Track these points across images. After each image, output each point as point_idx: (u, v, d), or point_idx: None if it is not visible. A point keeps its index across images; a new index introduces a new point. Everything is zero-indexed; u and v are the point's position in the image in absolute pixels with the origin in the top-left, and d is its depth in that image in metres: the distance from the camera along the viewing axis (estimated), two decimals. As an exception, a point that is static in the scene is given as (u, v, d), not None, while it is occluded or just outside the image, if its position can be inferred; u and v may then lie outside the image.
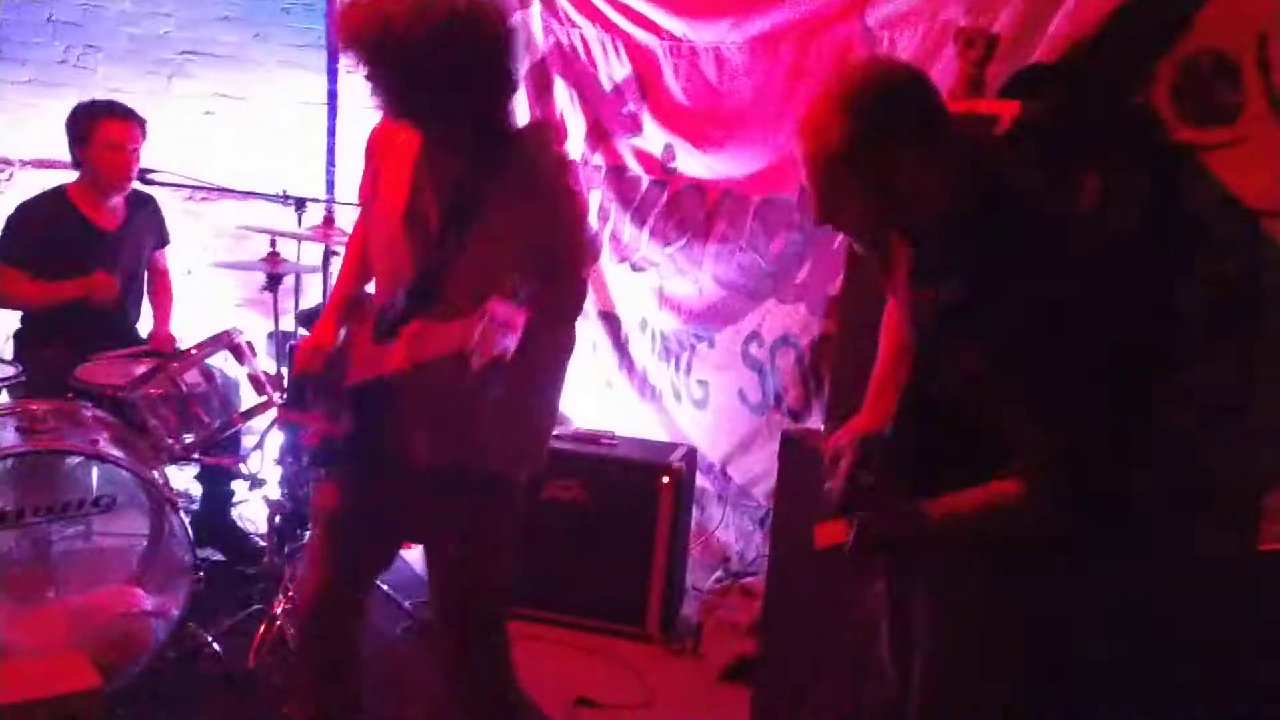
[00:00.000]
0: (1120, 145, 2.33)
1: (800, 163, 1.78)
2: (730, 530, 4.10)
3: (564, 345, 2.25)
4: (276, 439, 3.61)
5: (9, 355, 3.74)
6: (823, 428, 3.18)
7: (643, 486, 3.60)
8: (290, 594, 3.29)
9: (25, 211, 3.73)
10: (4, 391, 3.32)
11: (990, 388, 1.73)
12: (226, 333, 3.30)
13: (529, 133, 2.27)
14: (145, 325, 4.08)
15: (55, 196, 3.77)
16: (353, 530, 2.36)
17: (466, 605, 2.38)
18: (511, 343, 1.80)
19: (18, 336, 3.83)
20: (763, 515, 3.87)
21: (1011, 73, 2.55)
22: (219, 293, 4.72)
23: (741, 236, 3.86)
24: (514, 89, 2.13)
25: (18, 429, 2.94)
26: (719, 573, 3.93)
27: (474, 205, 2.12)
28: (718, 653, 3.46)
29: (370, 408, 2.19)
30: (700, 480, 3.98)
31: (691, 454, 3.86)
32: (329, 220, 3.63)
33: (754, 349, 3.83)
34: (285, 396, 2.20)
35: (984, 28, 2.69)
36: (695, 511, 4.02)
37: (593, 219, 4.31)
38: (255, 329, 4.13)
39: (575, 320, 2.27)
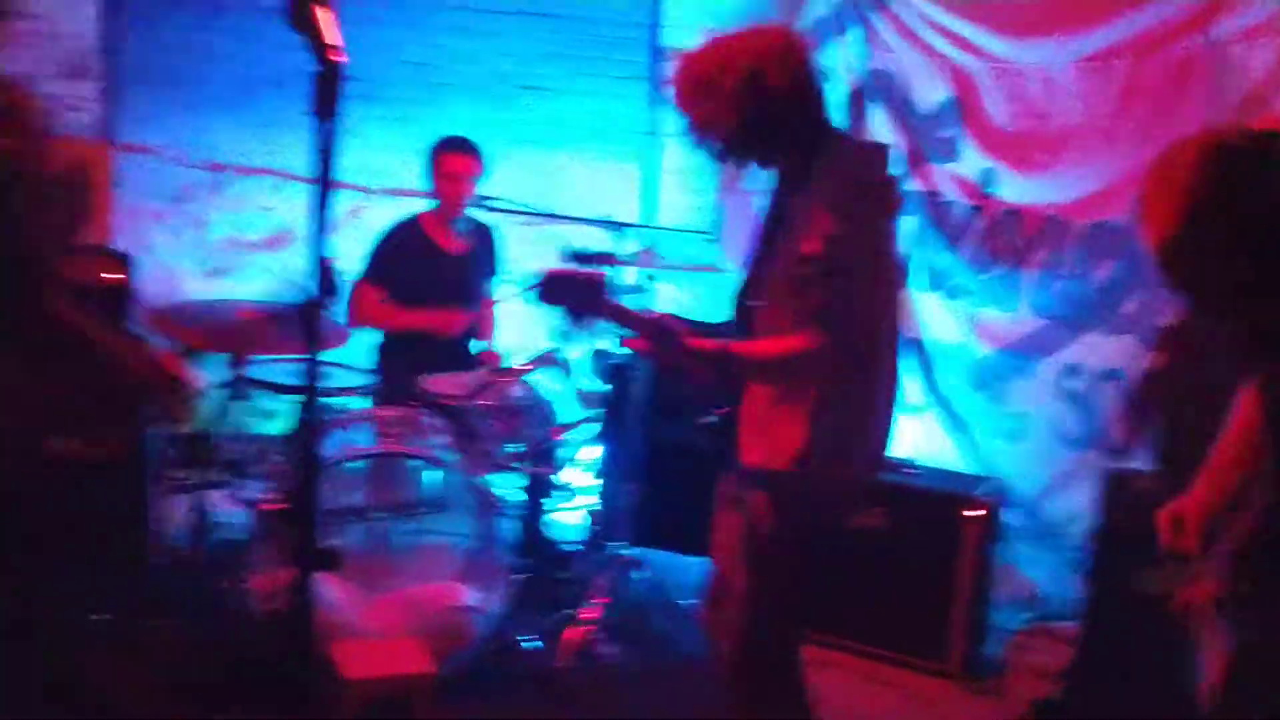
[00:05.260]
0: None
1: None
2: (1040, 569, 3.92)
3: (810, 355, 2.18)
4: (593, 453, 3.77)
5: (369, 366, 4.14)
6: (1151, 468, 2.99)
7: (946, 518, 3.51)
8: (597, 602, 3.44)
9: (386, 236, 4.14)
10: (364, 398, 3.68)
11: None
12: (549, 352, 3.52)
13: (848, 149, 2.32)
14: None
15: (410, 223, 4.17)
16: None
17: (736, 624, 2.38)
18: None
19: (380, 349, 4.23)
20: (1077, 556, 3.67)
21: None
22: (545, 311, 5.00)
23: (1064, 264, 3.71)
24: (799, 103, 2.23)
25: (371, 433, 3.27)
26: (1028, 613, 3.77)
27: (779, 217, 2.27)
28: (1021, 696, 3.32)
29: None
30: (1008, 515, 3.83)
31: (999, 487, 3.73)
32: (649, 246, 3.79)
33: (1074, 381, 3.66)
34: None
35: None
36: (1001, 547, 3.87)
37: (904, 244, 4.24)
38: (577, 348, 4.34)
39: (832, 330, 2.17)
